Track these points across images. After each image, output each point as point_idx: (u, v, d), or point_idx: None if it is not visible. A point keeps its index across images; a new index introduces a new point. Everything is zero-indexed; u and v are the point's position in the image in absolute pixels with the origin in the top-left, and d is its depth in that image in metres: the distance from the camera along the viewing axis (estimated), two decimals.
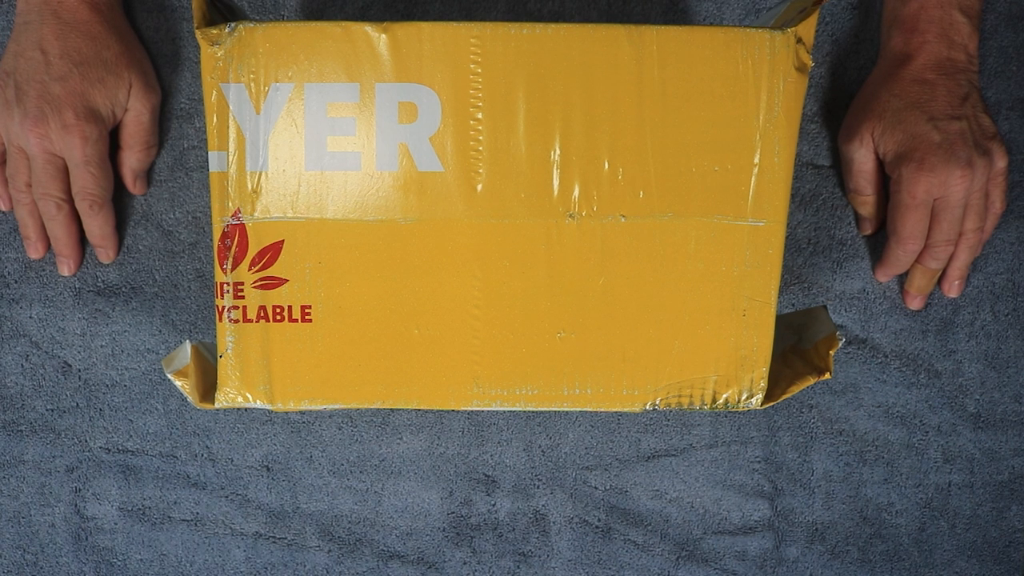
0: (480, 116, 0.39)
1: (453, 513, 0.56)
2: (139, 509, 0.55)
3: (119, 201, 0.53)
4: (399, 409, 0.51)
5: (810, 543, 0.57)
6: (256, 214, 0.39)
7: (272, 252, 0.40)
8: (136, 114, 0.50)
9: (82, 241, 0.53)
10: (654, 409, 0.42)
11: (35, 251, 0.52)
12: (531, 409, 0.42)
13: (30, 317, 0.54)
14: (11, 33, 0.50)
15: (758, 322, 0.41)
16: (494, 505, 0.56)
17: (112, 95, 0.49)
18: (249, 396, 0.41)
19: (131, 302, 0.54)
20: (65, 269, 0.53)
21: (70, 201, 0.50)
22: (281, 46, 0.38)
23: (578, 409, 0.42)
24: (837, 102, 0.54)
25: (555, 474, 0.56)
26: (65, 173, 0.49)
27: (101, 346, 0.54)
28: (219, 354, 0.40)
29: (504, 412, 0.55)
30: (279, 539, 0.56)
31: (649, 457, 0.56)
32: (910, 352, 0.55)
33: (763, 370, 0.41)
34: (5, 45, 0.51)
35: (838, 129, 0.53)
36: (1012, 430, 0.56)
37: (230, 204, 0.39)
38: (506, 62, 0.38)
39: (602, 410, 0.42)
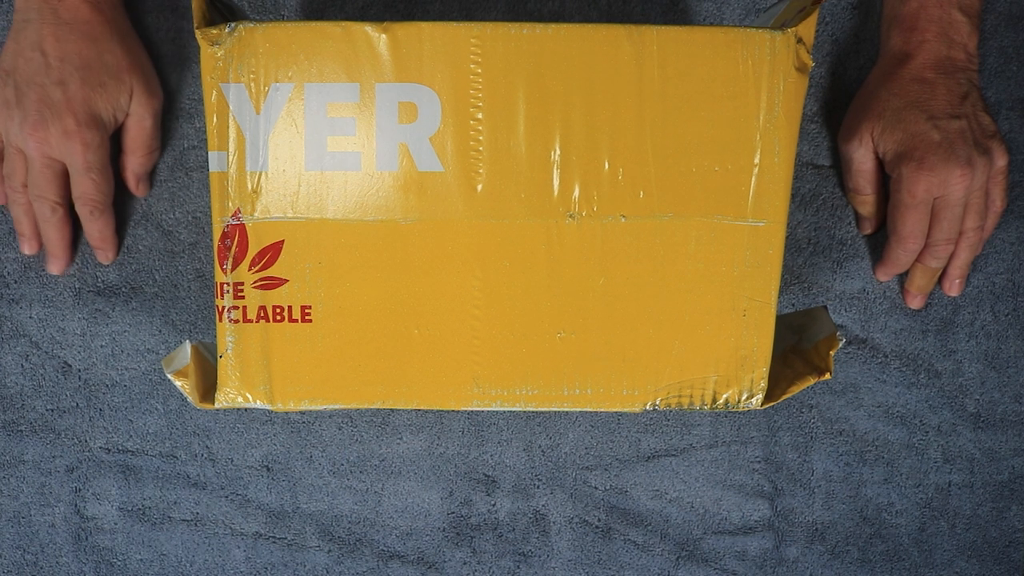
0: (480, 116, 0.39)
1: (453, 513, 0.56)
2: (139, 509, 0.55)
3: (119, 201, 0.53)
4: (399, 409, 0.51)
5: (810, 543, 0.57)
6: (256, 214, 0.39)
7: (272, 252, 0.40)
8: (138, 119, 0.50)
9: (74, 244, 0.53)
10: (654, 409, 0.42)
11: (29, 247, 0.52)
12: (531, 409, 0.42)
13: (30, 317, 0.54)
14: (10, 31, 0.49)
15: (758, 322, 0.41)
16: (494, 505, 0.56)
17: (114, 100, 0.48)
18: (249, 396, 0.41)
19: (131, 302, 0.54)
20: (54, 268, 0.52)
21: (65, 205, 0.50)
22: (281, 46, 0.38)
23: (578, 409, 0.42)
24: (837, 102, 0.54)
25: (555, 474, 0.56)
26: (63, 177, 0.49)
27: (101, 346, 0.54)
28: (219, 354, 0.40)
29: (504, 412, 0.55)
30: (279, 539, 0.56)
31: (649, 457, 0.56)
32: (910, 352, 0.55)
33: (763, 370, 0.41)
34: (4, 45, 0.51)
35: (838, 129, 0.53)
36: (1012, 430, 0.56)
37: (230, 204, 0.39)
38: (506, 62, 0.38)
39: (602, 410, 0.42)
